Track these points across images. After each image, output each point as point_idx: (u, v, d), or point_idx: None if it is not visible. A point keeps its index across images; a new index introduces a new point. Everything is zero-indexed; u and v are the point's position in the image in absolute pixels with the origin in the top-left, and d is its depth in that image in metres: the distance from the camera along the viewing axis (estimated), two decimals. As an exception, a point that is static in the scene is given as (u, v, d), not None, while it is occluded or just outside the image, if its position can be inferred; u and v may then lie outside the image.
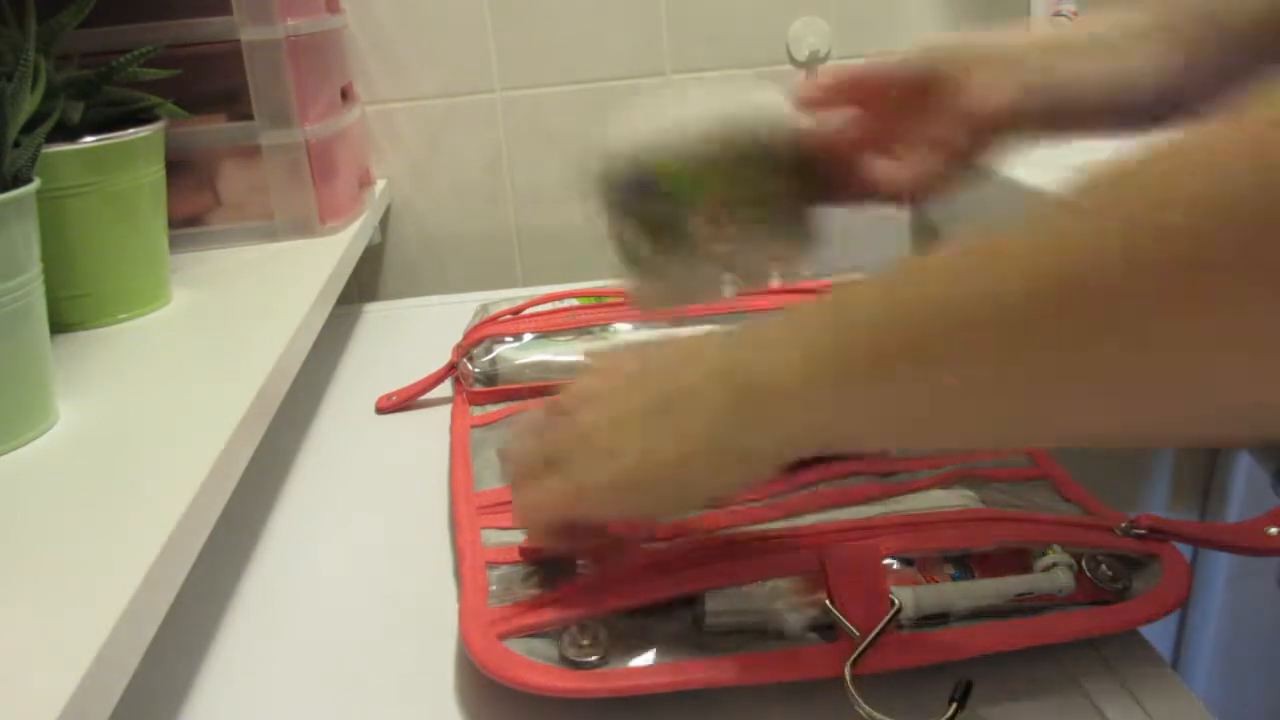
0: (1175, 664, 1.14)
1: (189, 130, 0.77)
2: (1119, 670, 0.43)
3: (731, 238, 0.54)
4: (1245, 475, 1.16)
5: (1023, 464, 0.55)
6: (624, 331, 0.71)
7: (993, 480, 0.53)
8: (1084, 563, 0.45)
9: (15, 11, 0.58)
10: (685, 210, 0.53)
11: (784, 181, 0.54)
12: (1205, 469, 1.20)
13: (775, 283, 0.60)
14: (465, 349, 0.72)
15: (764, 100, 0.54)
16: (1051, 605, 0.44)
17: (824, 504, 0.51)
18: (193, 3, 0.77)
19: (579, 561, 0.47)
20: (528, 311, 0.75)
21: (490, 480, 0.58)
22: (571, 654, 0.41)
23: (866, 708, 0.38)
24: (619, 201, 0.54)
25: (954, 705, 0.38)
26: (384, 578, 0.53)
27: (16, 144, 0.50)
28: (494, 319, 0.75)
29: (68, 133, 0.61)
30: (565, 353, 0.70)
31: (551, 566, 0.48)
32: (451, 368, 0.72)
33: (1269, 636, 1.10)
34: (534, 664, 0.41)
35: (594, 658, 0.41)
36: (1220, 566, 1.14)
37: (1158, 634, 0.45)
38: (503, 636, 0.43)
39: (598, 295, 0.77)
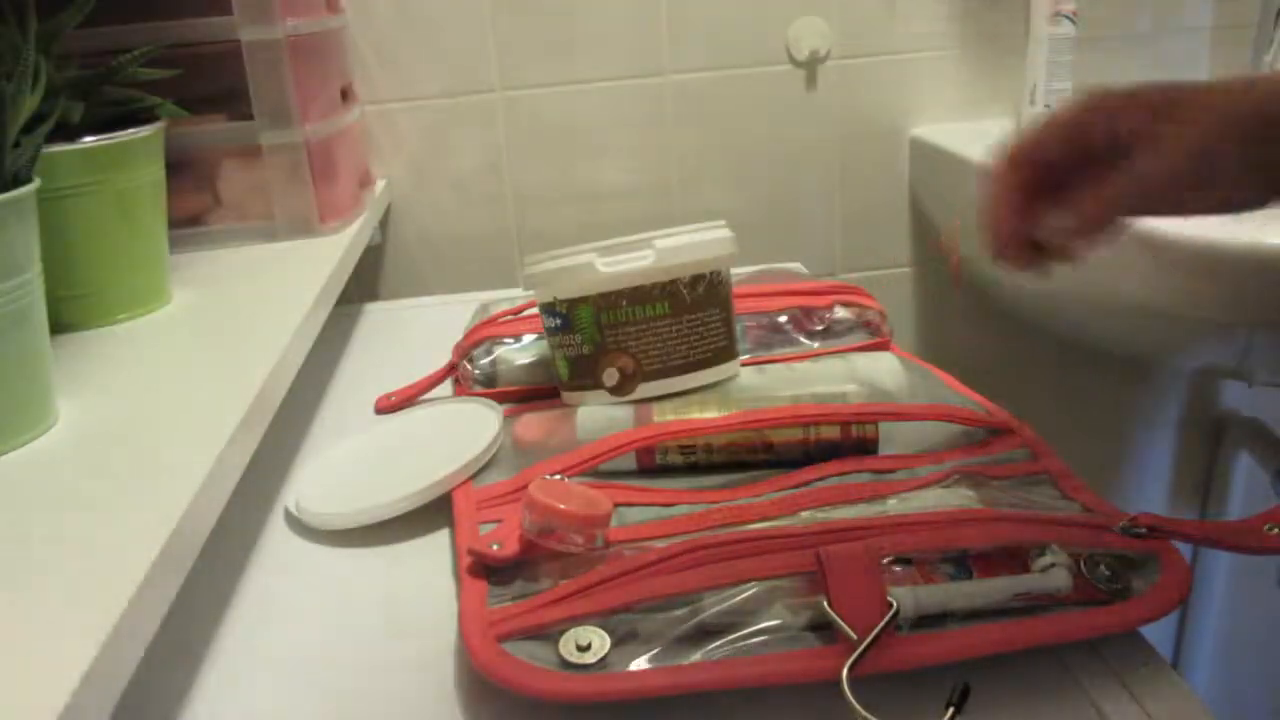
0: (1175, 664, 1.14)
1: (189, 130, 0.77)
2: (1119, 670, 0.43)
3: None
4: (1245, 475, 1.16)
5: (1023, 459, 0.55)
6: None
7: (993, 478, 0.53)
8: (1082, 563, 0.45)
9: (15, 11, 0.58)
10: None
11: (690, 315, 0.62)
12: (1205, 469, 1.20)
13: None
14: (465, 350, 0.72)
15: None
16: (1050, 605, 0.43)
17: (823, 501, 0.51)
18: (193, 3, 0.77)
19: (574, 555, 0.47)
20: (528, 312, 0.75)
21: (489, 477, 0.58)
22: (570, 657, 0.41)
23: (864, 712, 0.38)
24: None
25: (950, 710, 0.38)
26: (384, 575, 0.53)
27: (16, 144, 0.50)
28: (494, 319, 0.74)
29: (68, 133, 0.61)
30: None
31: (550, 563, 0.48)
32: (451, 368, 0.72)
33: (1269, 636, 1.10)
34: (533, 668, 0.41)
35: (592, 661, 0.41)
36: (1220, 566, 1.14)
37: (1158, 634, 0.45)
38: (501, 638, 0.43)
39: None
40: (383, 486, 0.58)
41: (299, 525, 0.59)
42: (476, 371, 0.71)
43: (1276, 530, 0.45)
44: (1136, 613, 0.43)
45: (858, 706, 0.38)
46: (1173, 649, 1.16)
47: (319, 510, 0.58)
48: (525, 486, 0.54)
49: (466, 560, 0.49)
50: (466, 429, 0.62)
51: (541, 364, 0.69)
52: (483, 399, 0.66)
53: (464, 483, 0.57)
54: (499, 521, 0.52)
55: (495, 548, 0.48)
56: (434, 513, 0.57)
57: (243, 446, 0.50)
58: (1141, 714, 0.40)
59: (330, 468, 0.63)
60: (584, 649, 0.42)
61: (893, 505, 0.50)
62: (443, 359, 0.73)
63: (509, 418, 0.64)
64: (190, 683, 0.46)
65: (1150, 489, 1.21)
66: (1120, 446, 1.20)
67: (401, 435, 0.65)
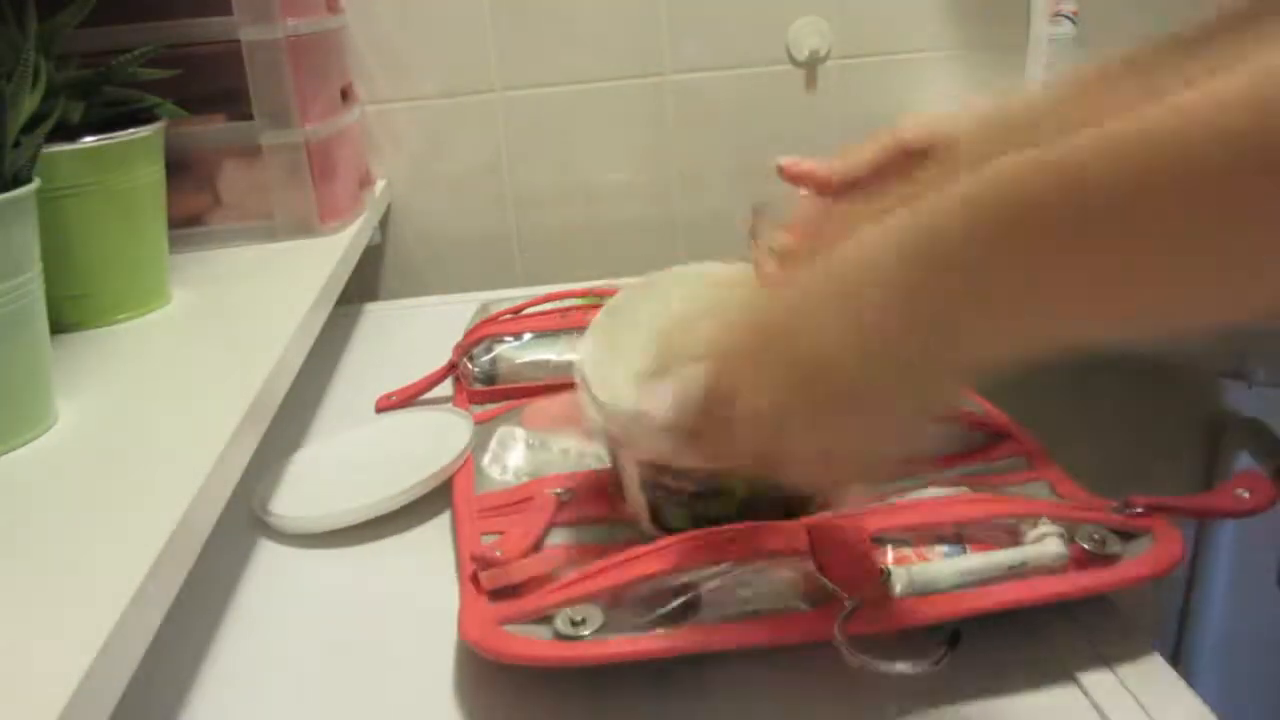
0: (1175, 664, 1.14)
1: (189, 130, 0.77)
2: (1119, 670, 0.43)
3: None
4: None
5: (1020, 467, 0.55)
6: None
7: (991, 485, 0.53)
8: (1076, 533, 0.45)
9: (15, 11, 0.58)
10: None
11: None
12: (1205, 469, 1.20)
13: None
14: (465, 348, 0.72)
15: None
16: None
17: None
18: (193, 3, 0.77)
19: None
20: (527, 311, 0.75)
21: (490, 482, 0.57)
22: (565, 630, 0.42)
23: (860, 656, 0.38)
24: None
25: (945, 650, 0.39)
26: (385, 572, 0.53)
27: (16, 144, 0.49)
28: (494, 319, 0.75)
29: (68, 133, 0.61)
30: (565, 352, 0.70)
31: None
32: (452, 367, 0.72)
33: (1269, 636, 1.10)
34: (528, 639, 0.41)
35: (588, 633, 0.41)
36: (1220, 566, 1.14)
37: (1158, 634, 0.45)
38: (503, 623, 0.43)
39: (597, 295, 0.77)
40: (351, 493, 0.58)
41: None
42: (476, 370, 0.71)
43: (1246, 494, 0.45)
44: (1135, 570, 0.43)
45: (853, 651, 0.38)
46: (1173, 649, 1.16)
47: (283, 514, 0.58)
48: (526, 499, 0.54)
49: (466, 561, 0.48)
50: (437, 437, 0.62)
51: (541, 362, 0.69)
52: (453, 408, 0.66)
53: (465, 488, 0.57)
54: (500, 534, 0.51)
55: (499, 555, 0.48)
56: (436, 510, 0.57)
57: (243, 446, 0.50)
58: (1141, 714, 0.40)
59: (297, 472, 0.63)
60: (579, 623, 0.42)
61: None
62: (443, 359, 0.73)
63: (515, 409, 0.64)
64: (192, 678, 0.46)
65: (1150, 488, 1.21)
66: (1119, 446, 1.20)
67: (369, 445, 0.66)
